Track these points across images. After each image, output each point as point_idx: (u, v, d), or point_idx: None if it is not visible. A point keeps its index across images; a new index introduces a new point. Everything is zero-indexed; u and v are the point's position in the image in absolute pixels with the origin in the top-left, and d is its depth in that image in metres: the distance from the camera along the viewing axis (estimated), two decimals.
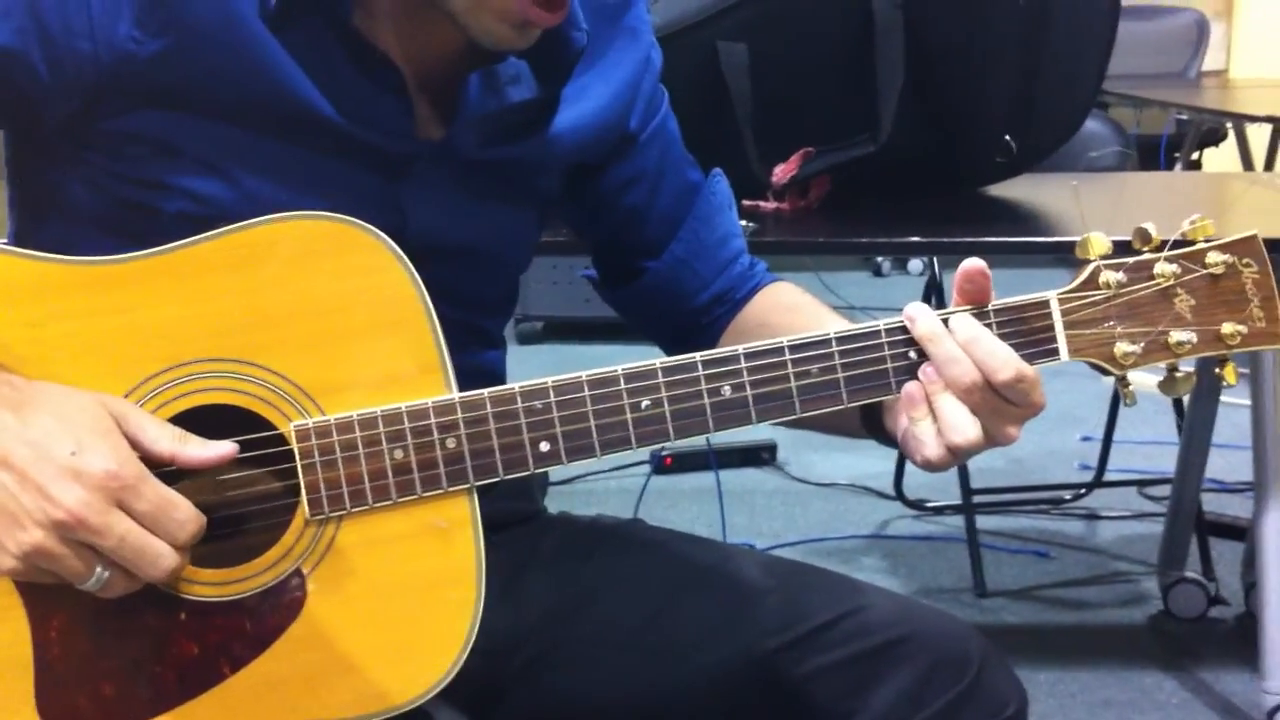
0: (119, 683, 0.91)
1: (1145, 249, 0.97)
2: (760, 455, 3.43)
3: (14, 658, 0.90)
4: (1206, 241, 0.97)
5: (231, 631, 0.92)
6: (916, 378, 0.96)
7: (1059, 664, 2.42)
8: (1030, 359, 0.96)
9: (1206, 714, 2.27)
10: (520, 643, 1.13)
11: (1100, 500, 3.12)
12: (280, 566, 0.92)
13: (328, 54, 0.99)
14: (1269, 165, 3.97)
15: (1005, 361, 0.94)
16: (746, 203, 2.03)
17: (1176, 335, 0.97)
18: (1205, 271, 0.97)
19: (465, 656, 0.92)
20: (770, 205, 2.03)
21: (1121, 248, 0.98)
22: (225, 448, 0.90)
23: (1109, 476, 3.14)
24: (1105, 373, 0.98)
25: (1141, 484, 3.18)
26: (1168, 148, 4.24)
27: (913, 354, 0.96)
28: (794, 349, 0.95)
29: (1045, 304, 0.97)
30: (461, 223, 1.07)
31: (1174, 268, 0.97)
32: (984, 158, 2.10)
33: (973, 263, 0.96)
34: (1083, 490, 3.13)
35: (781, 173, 2.02)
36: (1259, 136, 3.97)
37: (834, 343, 0.95)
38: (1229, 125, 4.07)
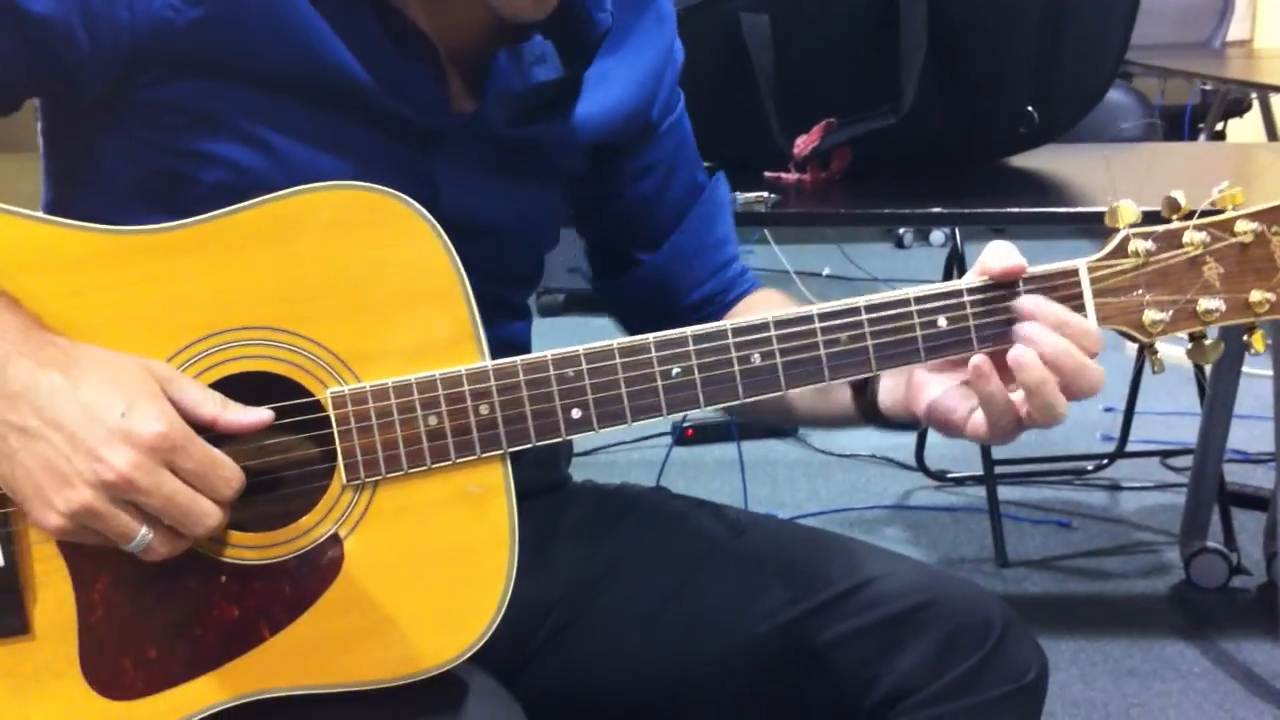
0: (161, 645, 0.93)
1: (1174, 217, 0.98)
2: (782, 426, 3.43)
3: (59, 621, 0.92)
4: (1235, 210, 0.97)
5: (270, 594, 0.93)
6: (943, 347, 0.97)
7: (1081, 634, 2.43)
8: None
9: (1228, 683, 2.28)
10: (548, 611, 1.15)
11: (1122, 471, 3.13)
12: (317, 531, 0.93)
13: (362, 24, 1.00)
14: None
15: (1095, 337, 0.96)
16: (768, 174, 2.04)
17: (1205, 303, 0.97)
18: (1234, 240, 0.97)
19: (499, 621, 0.94)
20: (792, 177, 2.03)
21: (1149, 218, 0.99)
22: (264, 414, 0.91)
23: (1131, 447, 3.14)
24: (1133, 340, 0.99)
25: (1164, 455, 3.19)
26: (1192, 118, 4.22)
27: (942, 322, 0.97)
28: (823, 317, 0.96)
29: (1074, 272, 0.98)
30: (489, 201, 1.08)
31: (1203, 236, 0.97)
32: (1006, 128, 2.10)
33: (1014, 262, 0.97)
34: (1105, 461, 3.14)
35: (803, 144, 2.02)
36: None
37: (863, 310, 0.96)
38: (1254, 95, 4.04)
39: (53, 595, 0.92)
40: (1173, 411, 3.31)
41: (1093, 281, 0.97)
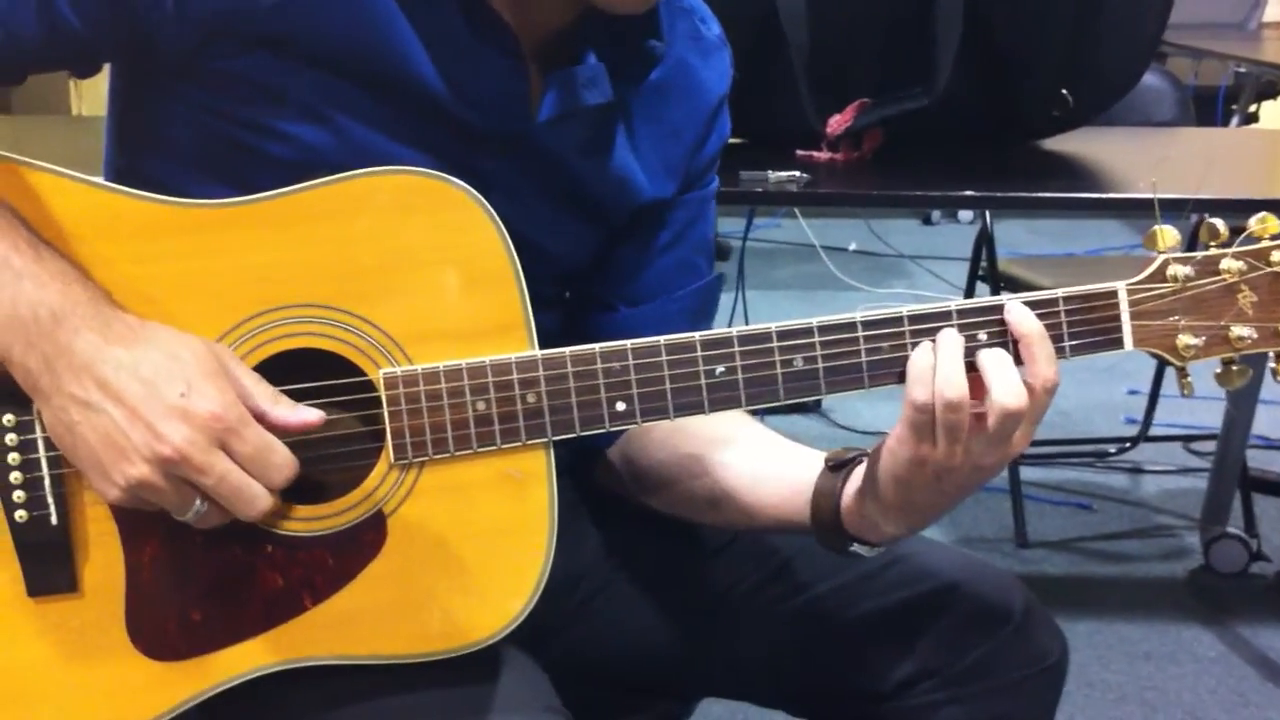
0: (205, 609, 0.95)
1: (1212, 244, 0.99)
2: (806, 401, 3.44)
3: (107, 581, 0.95)
4: (1272, 239, 0.98)
5: (314, 566, 0.95)
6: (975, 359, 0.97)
7: (1098, 615, 2.46)
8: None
9: (1244, 668, 2.30)
10: (575, 583, 1.17)
11: (1145, 454, 3.13)
12: (363, 507, 0.96)
13: (444, 20, 1.00)
14: None
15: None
16: (800, 153, 2.05)
17: (1237, 330, 0.99)
18: (1269, 270, 0.98)
19: (535, 601, 0.96)
20: (824, 156, 2.04)
21: (1174, 205, 0.99)
22: (313, 415, 0.92)
23: (1154, 431, 3.14)
24: (1166, 363, 1.00)
25: (1187, 439, 3.19)
26: (1225, 99, 4.19)
27: (982, 335, 0.97)
28: (867, 325, 0.97)
29: (1114, 294, 0.99)
30: (532, 218, 1.07)
31: (1239, 265, 0.98)
32: (1040, 111, 2.11)
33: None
34: (1128, 444, 3.15)
35: (836, 124, 2.03)
36: None
37: (906, 320, 0.97)
38: None
39: (102, 555, 0.95)
40: (1197, 396, 3.30)
41: (1131, 304, 0.99)
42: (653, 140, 1.13)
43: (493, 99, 1.03)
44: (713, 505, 1.12)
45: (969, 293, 3.00)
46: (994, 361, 0.95)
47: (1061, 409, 3.35)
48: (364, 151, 0.98)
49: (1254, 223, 0.98)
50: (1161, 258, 0.99)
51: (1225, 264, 0.98)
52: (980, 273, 2.90)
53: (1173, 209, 1.00)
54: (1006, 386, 0.94)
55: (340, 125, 0.99)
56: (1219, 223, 0.98)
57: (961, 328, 0.97)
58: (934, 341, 0.96)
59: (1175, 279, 0.98)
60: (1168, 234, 0.98)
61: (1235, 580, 2.58)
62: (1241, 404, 2.51)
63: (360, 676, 0.97)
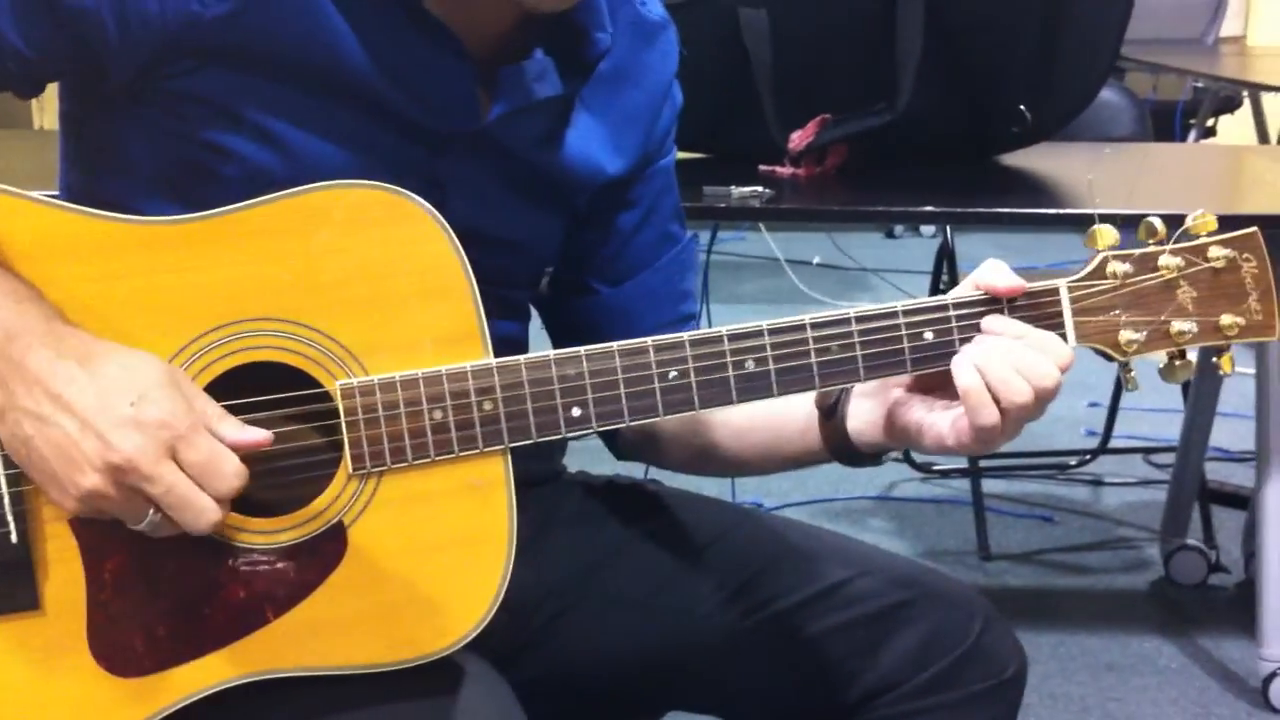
0: (167, 624, 0.95)
1: (1151, 241, 1.01)
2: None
3: (68, 598, 0.94)
4: (1209, 236, 1.01)
5: (276, 578, 0.96)
6: (928, 359, 1.00)
7: (1061, 627, 2.46)
8: None
9: (1204, 679, 2.31)
10: (543, 599, 1.17)
11: (1105, 467, 3.14)
12: (324, 518, 0.96)
13: (389, 25, 1.01)
14: None
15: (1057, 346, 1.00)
16: (763, 168, 2.06)
17: (1178, 325, 1.01)
18: (1207, 265, 1.00)
19: (496, 609, 0.96)
20: (786, 171, 2.05)
21: (1132, 221, 1.02)
22: (261, 434, 0.92)
23: (1114, 443, 3.15)
24: (1109, 359, 1.02)
25: (1146, 451, 3.20)
26: (1183, 114, 4.24)
27: (928, 335, 1.00)
28: (815, 326, 0.99)
29: (1055, 291, 1.01)
30: (496, 213, 1.09)
31: (1178, 261, 1.00)
32: (1002, 127, 2.13)
33: (1015, 283, 1.01)
34: (1088, 456, 3.15)
35: (798, 139, 2.04)
36: (1275, 104, 3.97)
37: (854, 321, 0.99)
38: (1245, 94, 4.06)
39: (63, 572, 0.94)
40: (1156, 408, 3.33)
41: (1072, 301, 1.01)
42: (608, 127, 1.14)
43: (444, 100, 1.04)
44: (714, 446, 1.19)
45: None
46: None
47: None
48: (318, 167, 0.99)
49: (1191, 220, 1.01)
50: (1101, 255, 1.01)
51: (1164, 260, 1.01)
52: (941, 286, 2.92)
53: (1131, 225, 1.02)
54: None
55: (289, 140, 1.00)
56: (1157, 221, 1.00)
57: (907, 326, 1.00)
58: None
59: (1115, 275, 1.00)
60: (1107, 233, 1.01)
61: (1195, 592, 2.60)
62: (1200, 416, 2.53)
63: (324, 688, 0.97)
